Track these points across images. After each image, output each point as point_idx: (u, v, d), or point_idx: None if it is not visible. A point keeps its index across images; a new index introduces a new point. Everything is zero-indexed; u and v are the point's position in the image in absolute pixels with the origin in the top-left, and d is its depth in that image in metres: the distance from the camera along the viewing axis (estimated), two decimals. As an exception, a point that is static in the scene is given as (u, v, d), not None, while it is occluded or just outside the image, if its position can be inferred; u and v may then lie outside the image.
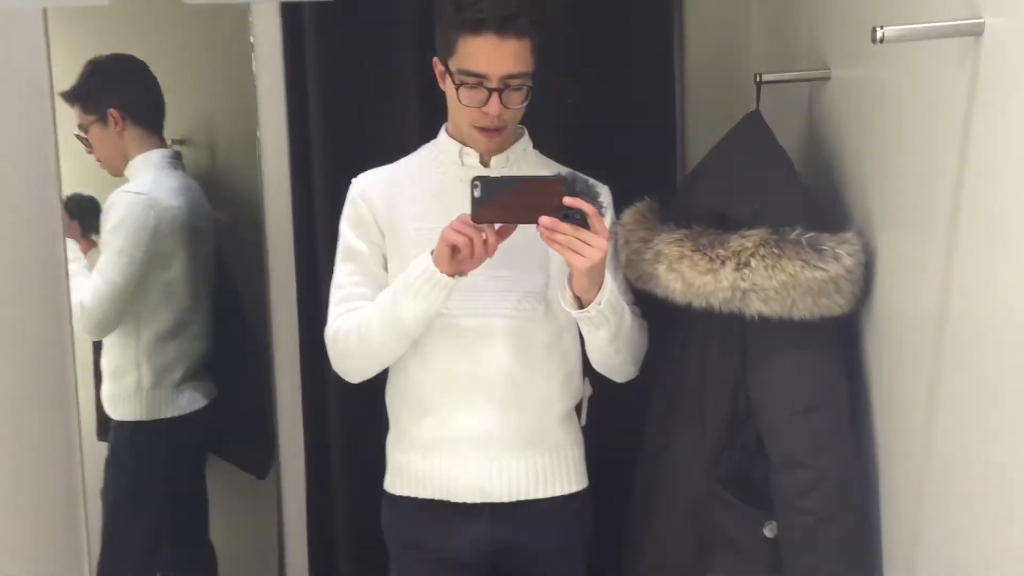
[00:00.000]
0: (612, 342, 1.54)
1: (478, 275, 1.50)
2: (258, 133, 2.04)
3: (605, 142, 2.02)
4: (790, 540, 1.49)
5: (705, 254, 1.47)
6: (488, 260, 1.48)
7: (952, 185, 1.19)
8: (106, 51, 2.08)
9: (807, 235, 1.44)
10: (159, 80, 2.11)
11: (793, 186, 1.54)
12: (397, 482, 1.65)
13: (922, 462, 1.31)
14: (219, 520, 2.30)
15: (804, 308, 1.43)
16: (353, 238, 1.61)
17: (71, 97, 2.04)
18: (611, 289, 1.48)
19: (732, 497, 1.54)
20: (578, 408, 1.68)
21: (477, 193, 1.40)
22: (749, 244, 1.44)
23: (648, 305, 1.63)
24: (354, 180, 1.64)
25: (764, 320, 1.45)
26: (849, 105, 1.56)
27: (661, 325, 1.64)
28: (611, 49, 2.02)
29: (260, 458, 2.23)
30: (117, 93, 2.09)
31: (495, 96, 1.50)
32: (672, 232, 1.52)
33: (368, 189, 1.62)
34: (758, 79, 1.61)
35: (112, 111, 2.08)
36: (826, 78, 1.63)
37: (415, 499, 1.63)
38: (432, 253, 1.49)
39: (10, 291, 1.58)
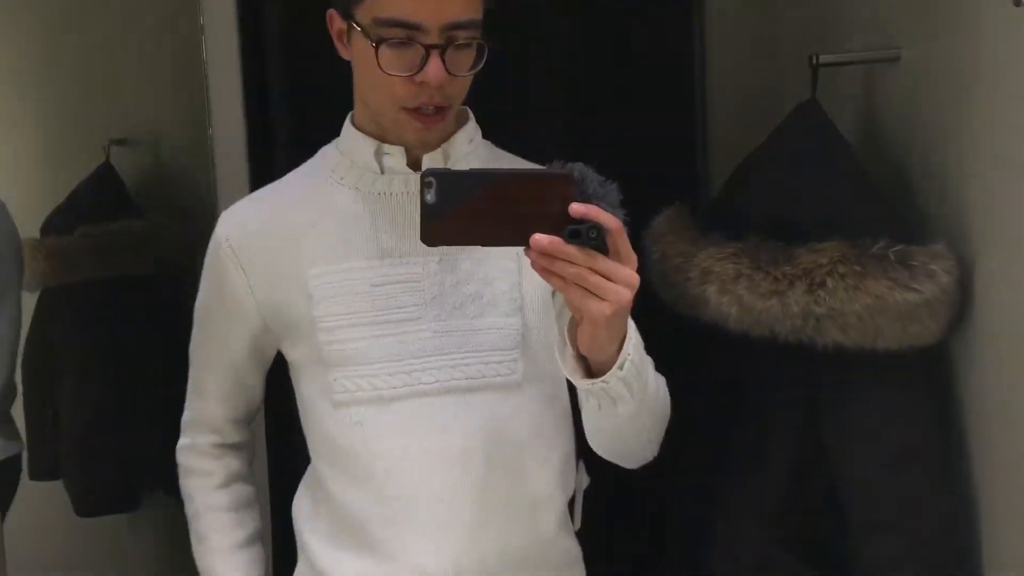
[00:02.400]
0: (634, 419, 1.02)
1: (419, 331, 1.08)
2: (210, 130, 1.78)
3: (613, 136, 1.76)
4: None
5: (768, 272, 1.21)
6: (431, 304, 1.08)
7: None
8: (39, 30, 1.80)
9: (894, 248, 1.19)
10: (92, 66, 1.87)
11: (865, 187, 1.29)
12: None
13: None
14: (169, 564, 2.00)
15: (891, 337, 1.19)
16: (213, 310, 1.18)
17: None
18: (636, 343, 0.96)
19: (798, 563, 1.28)
20: (570, 505, 1.19)
21: (431, 197, 0.87)
22: (824, 260, 1.19)
23: (686, 331, 1.36)
24: (221, 218, 1.16)
25: (840, 352, 1.20)
26: (928, 91, 1.31)
27: (706, 357, 1.37)
28: (622, 29, 1.77)
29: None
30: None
31: (435, 57, 1.01)
32: (722, 246, 1.26)
33: (240, 227, 1.14)
34: (814, 61, 1.36)
35: None
36: (895, 59, 1.38)
37: None
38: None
39: None
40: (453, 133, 1.12)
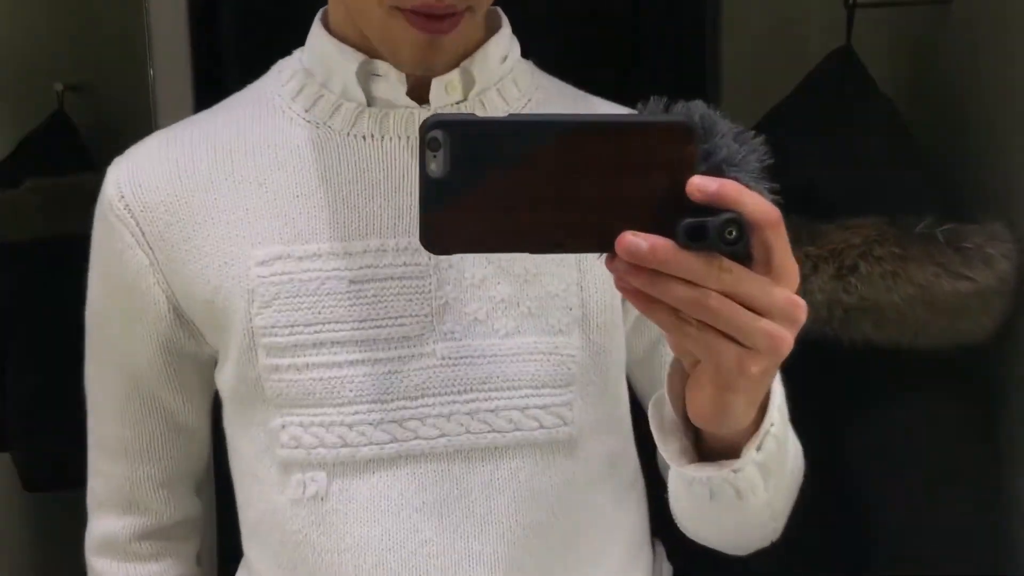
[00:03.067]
0: (762, 510, 0.67)
1: (419, 352, 0.72)
2: (151, 73, 1.61)
3: (619, 82, 1.57)
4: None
5: (788, 252, 1.02)
6: (441, 313, 0.72)
7: None
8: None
9: (943, 227, 1.01)
10: (44, 5, 1.71)
11: (911, 153, 1.12)
12: None
13: None
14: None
15: (935, 334, 1.03)
16: (110, 312, 0.78)
17: None
18: (780, 405, 0.64)
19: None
20: None
21: (438, 167, 0.49)
22: (856, 240, 1.04)
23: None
24: (112, 166, 0.77)
25: (871, 349, 1.04)
26: (987, 39, 1.14)
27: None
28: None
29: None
30: None
31: None
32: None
33: (143, 190, 0.74)
34: (850, 1, 1.17)
35: None
36: (945, 1, 1.19)
37: None
38: None
39: None
40: (481, 44, 0.74)
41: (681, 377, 0.57)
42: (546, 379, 0.72)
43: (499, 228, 0.50)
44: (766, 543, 0.73)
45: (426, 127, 0.49)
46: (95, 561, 0.84)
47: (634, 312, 0.73)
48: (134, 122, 1.83)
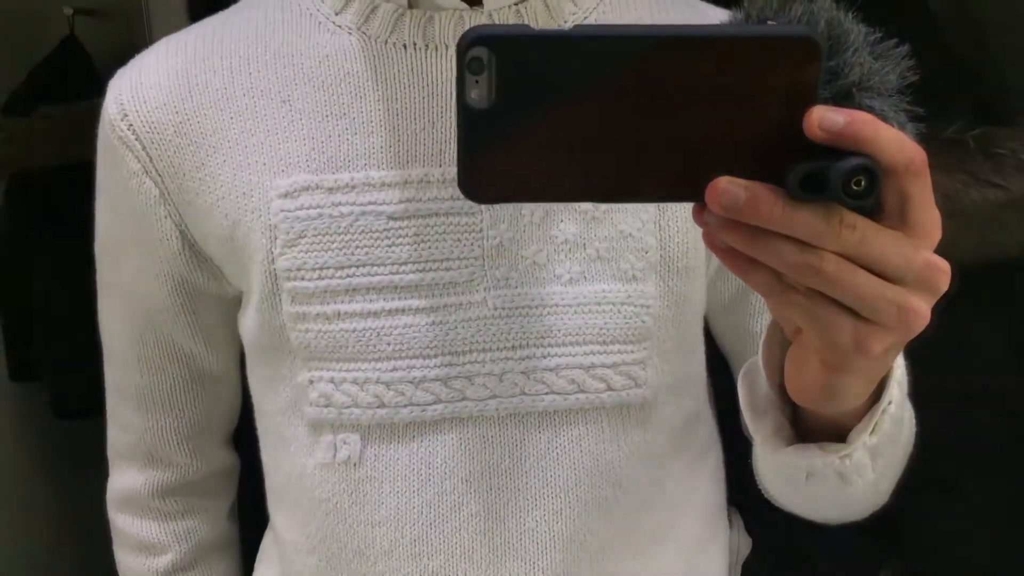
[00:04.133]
0: (867, 490, 0.59)
1: (469, 301, 0.63)
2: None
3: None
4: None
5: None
6: (494, 257, 0.63)
7: None
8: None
9: (972, 131, 0.95)
10: None
11: (941, 50, 1.04)
12: None
13: None
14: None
15: (964, 249, 0.96)
16: (118, 256, 0.71)
17: None
18: (900, 379, 0.53)
19: (832, 544, 1.08)
20: None
21: (480, 93, 0.39)
22: None
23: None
24: (113, 82, 0.68)
25: None
26: None
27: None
28: None
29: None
30: None
31: None
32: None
33: (150, 109, 0.65)
34: None
35: None
36: None
37: None
38: None
39: None
40: None
41: (781, 346, 0.48)
42: (616, 333, 0.63)
43: (557, 172, 0.40)
44: (866, 515, 0.64)
45: (465, 43, 0.39)
46: (117, 517, 0.78)
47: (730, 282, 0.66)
48: (146, 44, 1.81)
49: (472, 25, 0.52)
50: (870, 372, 0.45)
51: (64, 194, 1.88)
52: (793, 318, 0.44)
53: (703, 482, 0.71)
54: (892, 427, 0.52)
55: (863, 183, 0.38)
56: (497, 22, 0.62)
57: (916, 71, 0.98)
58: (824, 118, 0.38)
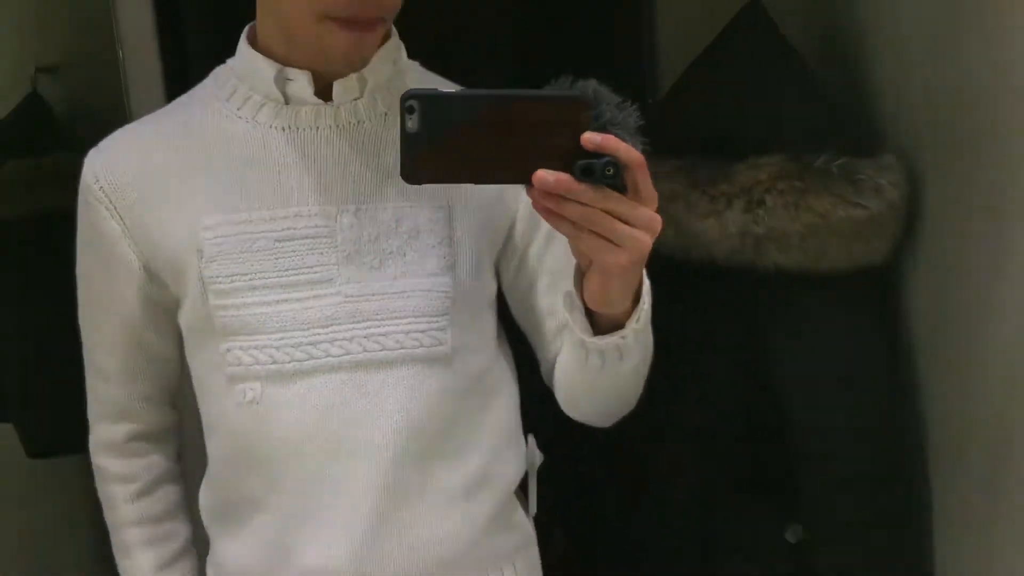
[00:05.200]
0: (635, 372, 0.91)
1: (329, 292, 0.92)
2: (120, 53, 1.64)
3: (557, 44, 1.66)
4: (821, 548, 1.21)
5: (705, 192, 1.15)
6: (344, 264, 0.92)
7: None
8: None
9: (837, 161, 1.13)
10: None
11: (811, 97, 1.22)
12: None
13: (991, 450, 1.03)
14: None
15: (836, 257, 1.14)
16: (95, 273, 0.99)
17: None
18: (648, 289, 0.85)
19: (747, 496, 1.24)
20: (522, 489, 1.04)
21: (413, 124, 0.72)
22: (763, 176, 1.13)
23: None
24: (89, 155, 0.96)
25: (783, 274, 1.15)
26: None
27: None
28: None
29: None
30: None
31: None
32: (660, 163, 1.18)
33: (114, 173, 0.95)
34: (757, -40, 1.26)
35: None
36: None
37: None
38: None
39: None
40: (376, 50, 0.93)
41: (580, 276, 0.81)
42: (425, 311, 0.93)
43: (455, 166, 0.73)
44: (631, 407, 0.96)
45: (405, 97, 0.72)
46: (99, 459, 1.06)
47: (513, 258, 0.98)
48: (105, 101, 1.87)
49: (326, 116, 0.91)
50: (625, 278, 0.78)
51: (27, 245, 1.95)
52: (582, 249, 0.76)
53: (496, 411, 0.99)
54: (646, 323, 0.85)
55: (611, 171, 0.71)
56: (343, 115, 0.93)
57: (790, 115, 1.18)
58: (591, 138, 0.71)
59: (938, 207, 1.13)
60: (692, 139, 1.20)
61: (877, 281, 1.18)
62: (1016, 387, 1.00)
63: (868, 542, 1.17)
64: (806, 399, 1.17)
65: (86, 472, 1.11)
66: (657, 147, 1.18)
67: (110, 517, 1.07)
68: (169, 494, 1.08)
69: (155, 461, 1.07)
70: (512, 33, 1.74)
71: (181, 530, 1.08)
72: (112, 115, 1.89)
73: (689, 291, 1.23)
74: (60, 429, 1.97)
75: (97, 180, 0.94)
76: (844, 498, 1.17)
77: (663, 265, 1.15)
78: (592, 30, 1.70)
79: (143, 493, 1.06)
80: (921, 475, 1.19)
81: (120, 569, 1.08)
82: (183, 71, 1.60)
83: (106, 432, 1.05)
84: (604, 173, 0.71)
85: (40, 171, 1.91)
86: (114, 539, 1.07)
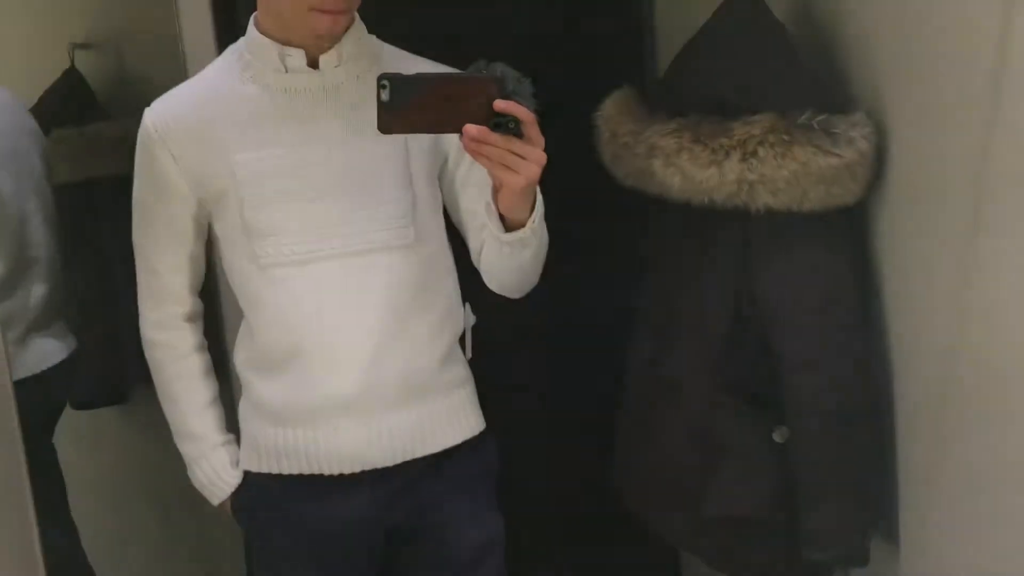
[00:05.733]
0: (534, 259, 1.29)
1: (327, 205, 1.27)
2: (180, 35, 1.81)
3: (561, 32, 1.84)
4: (802, 445, 1.41)
5: (706, 145, 1.33)
6: (335, 183, 1.27)
7: (992, 53, 1.07)
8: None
9: (818, 118, 1.32)
10: None
11: (794, 64, 1.41)
12: (253, 457, 1.38)
13: (945, 364, 1.23)
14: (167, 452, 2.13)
15: (815, 199, 1.32)
16: (151, 198, 1.33)
17: None
18: (541, 201, 1.22)
19: (739, 402, 1.44)
20: (462, 340, 1.43)
21: (385, 96, 1.10)
22: (756, 131, 1.31)
23: (635, 203, 1.49)
24: (147, 111, 1.31)
25: (770, 214, 1.34)
26: None
27: (655, 225, 1.51)
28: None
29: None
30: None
31: None
32: (666, 123, 1.38)
33: (166, 117, 1.29)
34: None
35: None
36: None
37: (277, 475, 1.37)
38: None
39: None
40: (344, 31, 1.28)
41: (495, 193, 1.18)
42: (394, 215, 1.30)
43: (413, 122, 1.12)
44: (532, 286, 1.35)
45: (380, 78, 1.10)
46: (149, 334, 1.42)
47: (448, 177, 1.36)
48: (150, 76, 2.01)
49: (315, 80, 1.27)
50: (523, 194, 1.16)
51: (71, 208, 2.08)
52: (497, 175, 1.12)
53: (445, 282, 1.38)
54: (539, 223, 1.22)
55: (512, 125, 1.09)
56: (328, 79, 1.28)
57: (777, 80, 1.37)
58: (500, 104, 1.08)
59: (900, 156, 1.33)
60: (695, 102, 1.39)
61: (851, 219, 1.38)
62: (961, 318, 1.20)
63: (841, 439, 1.39)
64: (790, 318, 1.38)
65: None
66: (665, 110, 1.39)
67: (157, 377, 1.42)
68: (203, 359, 1.43)
69: (191, 335, 1.42)
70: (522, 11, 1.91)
71: (213, 384, 1.43)
72: (148, 88, 2.04)
73: (688, 230, 1.44)
74: (101, 383, 2.12)
75: (156, 128, 1.29)
76: (818, 402, 1.37)
77: (672, 207, 1.38)
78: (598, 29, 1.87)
79: (184, 356, 1.41)
80: (883, 384, 1.40)
81: (167, 414, 1.43)
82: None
83: (154, 313, 1.40)
84: (508, 127, 1.09)
85: (83, 140, 2.03)
86: (161, 392, 1.42)
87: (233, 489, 1.41)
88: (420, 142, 1.30)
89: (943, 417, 1.26)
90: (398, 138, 1.27)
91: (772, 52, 1.40)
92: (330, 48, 1.27)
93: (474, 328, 1.45)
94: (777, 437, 1.43)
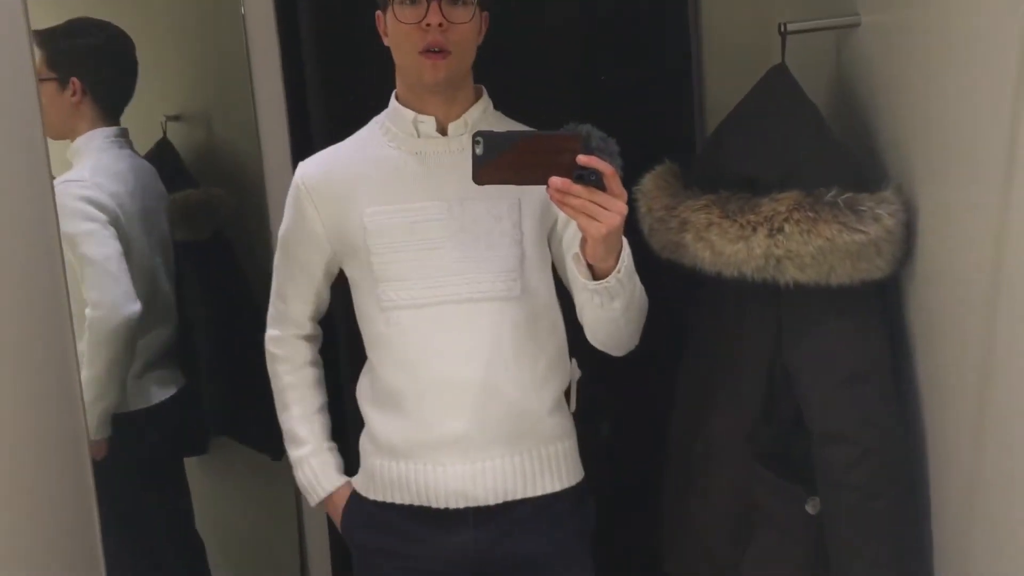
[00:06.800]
0: (625, 312, 1.35)
1: (444, 256, 1.40)
2: (255, 111, 1.95)
3: (616, 106, 1.91)
4: (834, 517, 1.42)
5: (735, 221, 1.38)
6: (452, 237, 1.40)
7: (1006, 134, 1.10)
8: (92, 13, 1.90)
9: (843, 196, 1.35)
10: (148, 49, 1.96)
11: (825, 143, 1.45)
12: (369, 485, 1.50)
13: (975, 436, 1.23)
14: (237, 503, 2.23)
15: (843, 274, 1.35)
16: (294, 239, 1.51)
17: (41, 42, 1.78)
18: (629, 254, 1.30)
19: (772, 474, 1.47)
20: (567, 393, 1.51)
21: (479, 150, 1.19)
22: (782, 208, 1.36)
23: (673, 276, 1.54)
24: (299, 166, 1.50)
25: (800, 288, 1.37)
26: (882, 53, 1.47)
27: (689, 297, 1.55)
28: (621, 7, 1.92)
29: (273, 439, 2.14)
30: (89, 66, 1.89)
31: (434, 5, 1.33)
32: (698, 198, 1.44)
33: (313, 174, 1.47)
34: (782, 29, 1.52)
35: (75, 80, 1.88)
36: (855, 24, 1.53)
37: (390, 504, 1.48)
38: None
39: (6, 284, 1.49)
40: (472, 104, 1.45)
41: (583, 243, 1.26)
42: (504, 268, 1.41)
43: (504, 175, 1.21)
44: (632, 346, 1.43)
45: (475, 135, 1.20)
46: (271, 348, 1.58)
47: (567, 235, 1.45)
48: (233, 148, 2.16)
49: (443, 145, 1.42)
50: (608, 243, 1.23)
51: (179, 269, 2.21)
52: (581, 224, 1.21)
53: (551, 335, 1.47)
54: (627, 275, 1.30)
55: (595, 177, 1.18)
56: (454, 145, 1.43)
57: (806, 158, 1.42)
58: (584, 159, 1.18)
59: (928, 232, 1.35)
60: (727, 178, 1.45)
61: (880, 293, 1.40)
62: (990, 382, 1.21)
63: (872, 512, 1.39)
64: (819, 391, 1.40)
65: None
66: (699, 185, 1.45)
67: (276, 384, 1.58)
68: (315, 373, 1.59)
69: (307, 351, 1.58)
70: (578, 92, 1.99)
71: (321, 395, 1.58)
72: (230, 159, 2.18)
73: (724, 303, 1.48)
74: (182, 435, 2.24)
75: (303, 182, 1.47)
76: (850, 475, 1.38)
77: (703, 281, 1.42)
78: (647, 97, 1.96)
79: (299, 368, 1.57)
80: (920, 458, 1.40)
81: (280, 421, 1.58)
82: (306, 132, 1.91)
83: (276, 331, 1.58)
84: (590, 178, 1.18)
85: (172, 206, 2.18)
86: (278, 400, 1.58)
87: (329, 493, 1.54)
88: (532, 206, 1.42)
89: (974, 489, 1.26)
90: (512, 200, 1.40)
91: (803, 131, 1.44)
92: (458, 118, 1.42)
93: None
94: (810, 508, 1.45)
